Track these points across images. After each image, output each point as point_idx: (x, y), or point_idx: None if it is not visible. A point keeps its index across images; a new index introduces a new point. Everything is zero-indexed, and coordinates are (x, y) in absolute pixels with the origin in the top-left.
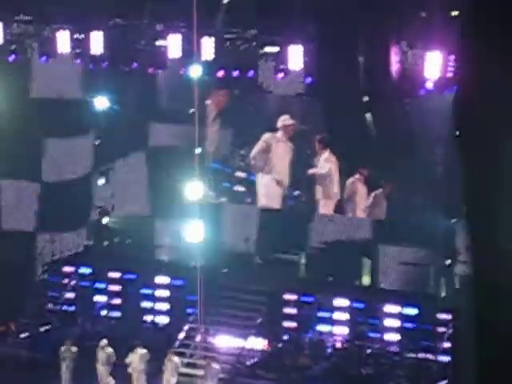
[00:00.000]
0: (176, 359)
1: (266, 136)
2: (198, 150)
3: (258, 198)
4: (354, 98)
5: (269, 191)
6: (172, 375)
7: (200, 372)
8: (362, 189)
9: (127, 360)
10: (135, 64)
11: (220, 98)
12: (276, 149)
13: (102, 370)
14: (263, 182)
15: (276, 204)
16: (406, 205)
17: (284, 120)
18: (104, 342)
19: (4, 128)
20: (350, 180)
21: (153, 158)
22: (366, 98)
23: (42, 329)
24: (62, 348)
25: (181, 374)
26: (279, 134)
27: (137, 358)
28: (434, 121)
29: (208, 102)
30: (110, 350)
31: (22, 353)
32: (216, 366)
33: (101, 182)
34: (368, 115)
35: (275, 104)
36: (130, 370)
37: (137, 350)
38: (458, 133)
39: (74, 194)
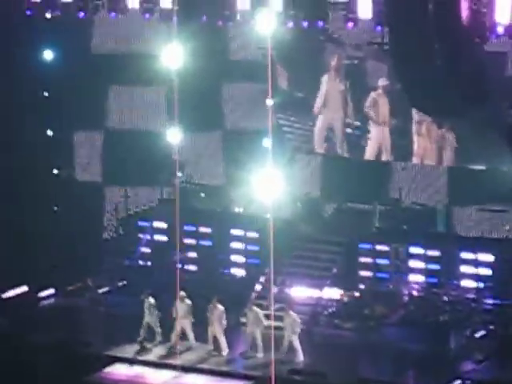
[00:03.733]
0: (257, 309)
1: (373, 93)
2: (269, 102)
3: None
4: (425, 44)
5: (379, 143)
6: (257, 325)
7: (279, 323)
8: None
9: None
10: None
11: (339, 61)
12: (379, 103)
13: (181, 322)
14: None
15: (386, 156)
16: (479, 152)
17: (382, 81)
18: (182, 293)
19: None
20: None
21: (227, 115)
22: (436, 45)
23: (120, 284)
24: (142, 297)
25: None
26: (379, 91)
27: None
28: (506, 65)
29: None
30: (188, 301)
31: (101, 307)
32: (293, 313)
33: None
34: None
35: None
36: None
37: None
38: None
39: (148, 149)
